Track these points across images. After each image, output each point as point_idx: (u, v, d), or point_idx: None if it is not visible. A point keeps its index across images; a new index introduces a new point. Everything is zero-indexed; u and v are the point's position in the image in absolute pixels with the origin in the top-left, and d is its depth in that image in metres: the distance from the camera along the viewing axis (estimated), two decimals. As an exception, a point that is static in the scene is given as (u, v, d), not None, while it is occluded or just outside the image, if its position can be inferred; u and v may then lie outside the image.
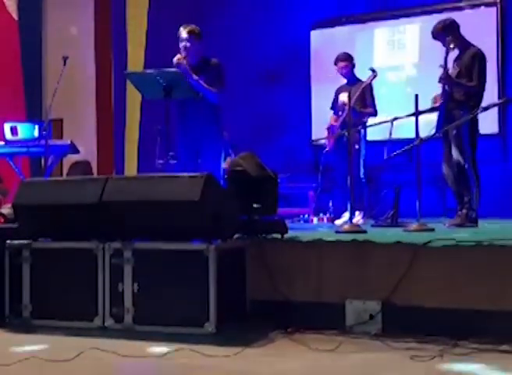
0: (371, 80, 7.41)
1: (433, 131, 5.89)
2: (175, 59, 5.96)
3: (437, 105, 6.06)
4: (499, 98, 8.90)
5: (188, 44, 6.06)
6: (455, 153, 5.96)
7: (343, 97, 7.51)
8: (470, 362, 3.21)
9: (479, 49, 6.05)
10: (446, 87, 5.99)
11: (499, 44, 9.43)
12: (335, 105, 7.87)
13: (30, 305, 4.22)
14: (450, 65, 6.12)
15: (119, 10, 9.95)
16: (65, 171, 9.89)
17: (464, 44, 6.09)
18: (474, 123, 5.91)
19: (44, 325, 4.13)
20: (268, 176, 4.66)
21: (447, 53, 5.95)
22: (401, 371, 3.08)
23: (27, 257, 4.26)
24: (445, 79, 5.93)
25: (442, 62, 5.92)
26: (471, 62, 5.96)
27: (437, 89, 6.15)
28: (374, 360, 3.32)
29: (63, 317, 4.13)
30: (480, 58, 5.99)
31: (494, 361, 3.23)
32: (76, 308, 4.12)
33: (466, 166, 5.87)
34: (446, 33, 6.04)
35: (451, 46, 5.94)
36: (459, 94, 5.98)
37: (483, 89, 5.99)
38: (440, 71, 5.95)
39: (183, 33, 6.12)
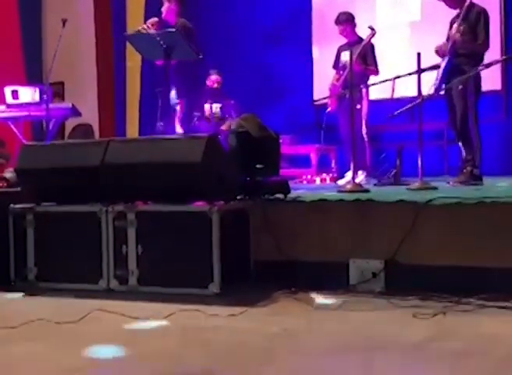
0: (370, 38, 7.41)
1: (433, 88, 5.86)
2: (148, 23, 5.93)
3: (441, 58, 6.02)
4: (501, 55, 8.85)
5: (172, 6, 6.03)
6: (459, 109, 5.95)
7: (345, 56, 7.47)
8: (473, 319, 3.24)
9: (483, 8, 6.04)
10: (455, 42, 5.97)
11: (502, 1, 9.35)
12: (337, 64, 7.84)
13: (35, 268, 4.24)
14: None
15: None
16: (67, 134, 9.87)
17: (468, 3, 6.05)
18: (478, 79, 5.93)
19: (49, 287, 4.15)
20: (270, 136, 4.64)
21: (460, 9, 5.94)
22: (404, 328, 3.10)
23: (31, 221, 4.27)
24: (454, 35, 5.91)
25: (458, 19, 5.90)
26: (476, 20, 5.95)
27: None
28: (377, 318, 3.34)
29: (68, 280, 4.15)
30: (485, 16, 5.99)
31: (497, 318, 3.25)
32: (80, 271, 4.14)
33: (469, 123, 5.87)
34: None
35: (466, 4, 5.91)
36: (465, 51, 5.97)
37: (487, 47, 5.98)
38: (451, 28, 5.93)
39: None
